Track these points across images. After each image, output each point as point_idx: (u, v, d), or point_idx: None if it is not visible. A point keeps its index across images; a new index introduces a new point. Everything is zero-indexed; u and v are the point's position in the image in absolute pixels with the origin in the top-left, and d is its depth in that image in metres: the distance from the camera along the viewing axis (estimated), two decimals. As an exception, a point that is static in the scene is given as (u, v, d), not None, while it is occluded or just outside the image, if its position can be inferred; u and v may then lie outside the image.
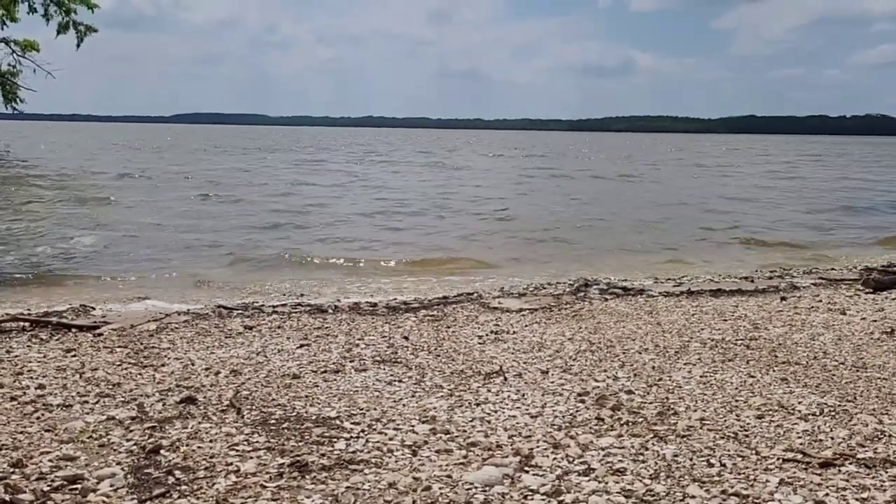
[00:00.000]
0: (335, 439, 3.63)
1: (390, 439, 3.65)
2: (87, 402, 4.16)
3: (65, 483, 3.10)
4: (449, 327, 6.24)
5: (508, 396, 4.35)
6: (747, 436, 3.76)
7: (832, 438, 3.74)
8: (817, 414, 4.11)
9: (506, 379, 4.71)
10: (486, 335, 5.93)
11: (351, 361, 5.09)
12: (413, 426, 3.83)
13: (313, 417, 3.95)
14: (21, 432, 3.66)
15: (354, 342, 5.64)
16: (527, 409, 4.12)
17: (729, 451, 3.56)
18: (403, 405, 4.18)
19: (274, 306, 7.28)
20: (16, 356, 5.11)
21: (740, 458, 3.47)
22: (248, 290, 8.90)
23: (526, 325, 6.33)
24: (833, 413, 4.12)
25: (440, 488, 3.12)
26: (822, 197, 24.09)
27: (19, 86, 35.49)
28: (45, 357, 5.10)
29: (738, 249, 13.22)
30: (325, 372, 4.83)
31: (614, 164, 45.26)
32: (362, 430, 3.76)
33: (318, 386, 4.53)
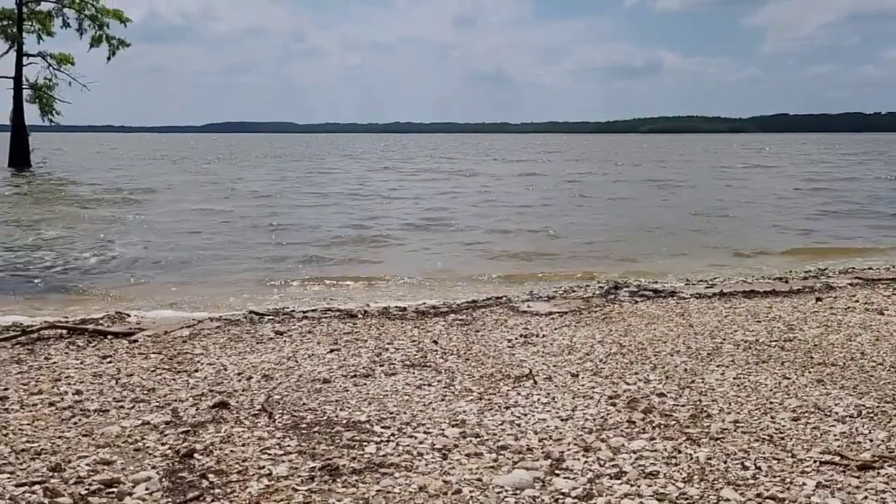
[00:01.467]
0: (365, 443, 3.65)
1: (420, 443, 3.65)
2: (122, 407, 4.23)
3: (102, 487, 3.15)
4: (478, 331, 6.23)
5: (538, 400, 4.33)
6: (783, 438, 3.71)
7: (871, 441, 3.66)
8: (855, 416, 4.03)
9: (535, 382, 4.69)
10: (516, 339, 5.91)
11: (381, 366, 5.10)
12: (443, 430, 3.83)
13: (344, 421, 3.97)
14: (59, 437, 3.73)
15: (384, 346, 5.66)
16: (557, 413, 4.10)
17: (764, 453, 3.51)
18: (433, 409, 4.18)
19: (304, 311, 7.33)
20: (54, 363, 5.21)
21: (776, 461, 3.41)
22: (279, 295, 8.98)
23: (555, 329, 6.30)
24: (871, 415, 4.04)
25: (470, 492, 3.11)
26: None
27: (55, 98, 36.33)
28: (82, 363, 5.20)
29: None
30: (355, 376, 4.85)
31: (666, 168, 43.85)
32: (392, 434, 3.77)
33: (348, 390, 4.55)
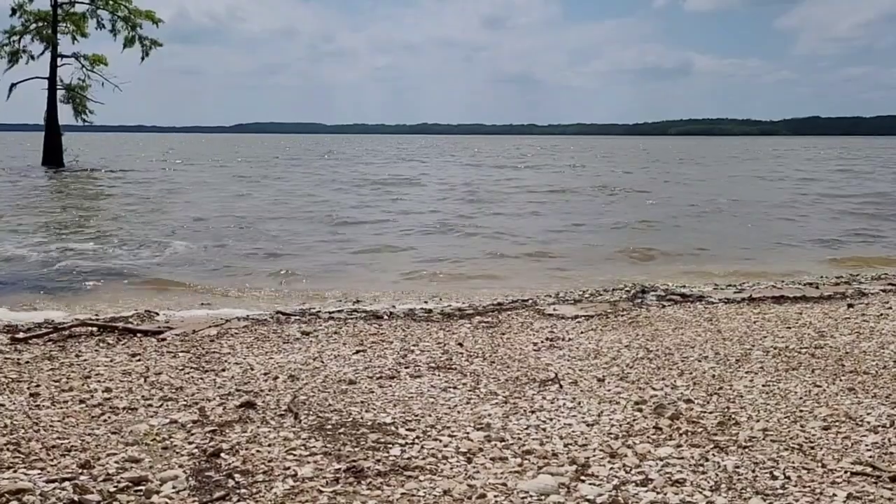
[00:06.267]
0: (390, 445, 3.66)
1: (445, 446, 3.65)
2: (151, 405, 4.28)
3: (130, 484, 3.19)
4: (503, 334, 6.21)
5: (564, 404, 4.31)
6: (813, 448, 3.64)
7: (904, 452, 3.58)
8: (887, 426, 3.95)
9: (561, 386, 4.66)
10: (542, 342, 5.89)
11: (406, 368, 5.11)
12: (468, 433, 3.82)
13: (369, 423, 3.98)
14: (89, 434, 3.79)
15: (409, 348, 5.66)
16: (583, 418, 4.08)
17: (793, 463, 3.45)
18: (458, 412, 4.18)
19: (330, 312, 7.37)
20: (84, 360, 5.29)
21: (805, 471, 3.36)
22: (305, 296, 9.02)
23: (582, 332, 6.26)
24: (905, 425, 3.95)
25: (495, 496, 3.10)
26: None
27: (88, 99, 36.95)
28: (111, 361, 5.27)
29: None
30: (380, 378, 4.86)
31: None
32: (417, 437, 3.78)
33: (373, 392, 4.56)
